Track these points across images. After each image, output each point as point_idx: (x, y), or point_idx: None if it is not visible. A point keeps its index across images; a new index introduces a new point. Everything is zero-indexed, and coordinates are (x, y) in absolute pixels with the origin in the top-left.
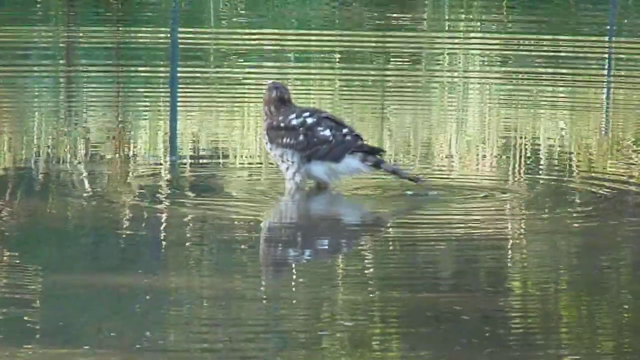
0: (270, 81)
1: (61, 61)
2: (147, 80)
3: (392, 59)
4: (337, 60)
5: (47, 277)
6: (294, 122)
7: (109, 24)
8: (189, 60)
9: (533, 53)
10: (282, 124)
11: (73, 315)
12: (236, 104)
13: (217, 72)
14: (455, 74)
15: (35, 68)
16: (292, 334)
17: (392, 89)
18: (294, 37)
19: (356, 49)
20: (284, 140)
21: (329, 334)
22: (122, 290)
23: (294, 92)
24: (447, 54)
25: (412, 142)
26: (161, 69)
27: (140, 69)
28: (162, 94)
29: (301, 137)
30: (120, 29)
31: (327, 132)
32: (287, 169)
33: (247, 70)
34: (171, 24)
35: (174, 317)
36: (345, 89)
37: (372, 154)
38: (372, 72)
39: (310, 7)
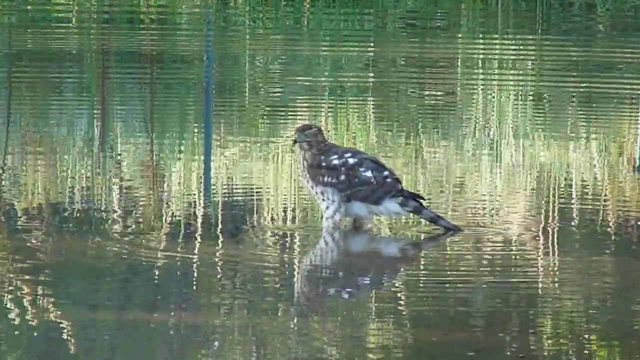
0: (311, 125)
1: (95, 98)
2: (181, 113)
3: (427, 89)
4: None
5: (79, 314)
6: (336, 161)
7: (142, 60)
8: (223, 94)
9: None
10: (323, 163)
11: (104, 353)
12: (270, 136)
13: (251, 104)
14: (489, 95)
15: (69, 100)
16: None
17: (426, 116)
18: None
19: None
20: (325, 179)
21: None
22: (153, 328)
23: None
24: (481, 77)
25: (444, 176)
26: (195, 102)
27: (174, 100)
28: (196, 128)
29: (342, 177)
30: (155, 66)
31: (369, 174)
32: (327, 207)
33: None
34: (206, 57)
35: (206, 356)
36: (378, 111)
37: (413, 199)
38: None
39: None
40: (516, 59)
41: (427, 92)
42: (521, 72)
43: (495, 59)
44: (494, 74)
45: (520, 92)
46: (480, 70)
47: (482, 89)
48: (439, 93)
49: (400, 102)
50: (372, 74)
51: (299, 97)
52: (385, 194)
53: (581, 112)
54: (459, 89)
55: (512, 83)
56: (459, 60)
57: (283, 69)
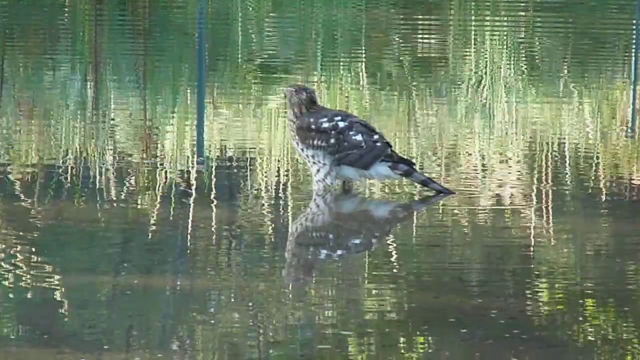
0: (298, 84)
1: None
2: (174, 70)
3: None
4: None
5: (73, 278)
6: (326, 124)
7: (136, 30)
8: (216, 48)
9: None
10: (313, 126)
11: (99, 317)
12: (264, 99)
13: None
14: (481, 69)
15: (62, 55)
16: (318, 335)
17: (419, 86)
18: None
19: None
20: (315, 142)
21: (354, 335)
22: (149, 291)
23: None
24: (474, 47)
25: (437, 142)
26: (189, 56)
27: (167, 56)
28: (189, 92)
29: (332, 140)
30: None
31: (359, 137)
32: (318, 170)
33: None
34: (198, 24)
35: (201, 319)
36: (371, 87)
37: (402, 163)
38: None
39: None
40: (510, 5)
41: (420, 43)
42: (514, 19)
43: (488, 3)
44: (487, 19)
45: (513, 43)
46: (473, 16)
47: (474, 38)
48: (432, 42)
49: (393, 55)
50: (364, 22)
51: (292, 55)
52: (374, 158)
53: (574, 65)
54: (451, 40)
55: (505, 29)
56: (452, 4)
57: (275, 22)
